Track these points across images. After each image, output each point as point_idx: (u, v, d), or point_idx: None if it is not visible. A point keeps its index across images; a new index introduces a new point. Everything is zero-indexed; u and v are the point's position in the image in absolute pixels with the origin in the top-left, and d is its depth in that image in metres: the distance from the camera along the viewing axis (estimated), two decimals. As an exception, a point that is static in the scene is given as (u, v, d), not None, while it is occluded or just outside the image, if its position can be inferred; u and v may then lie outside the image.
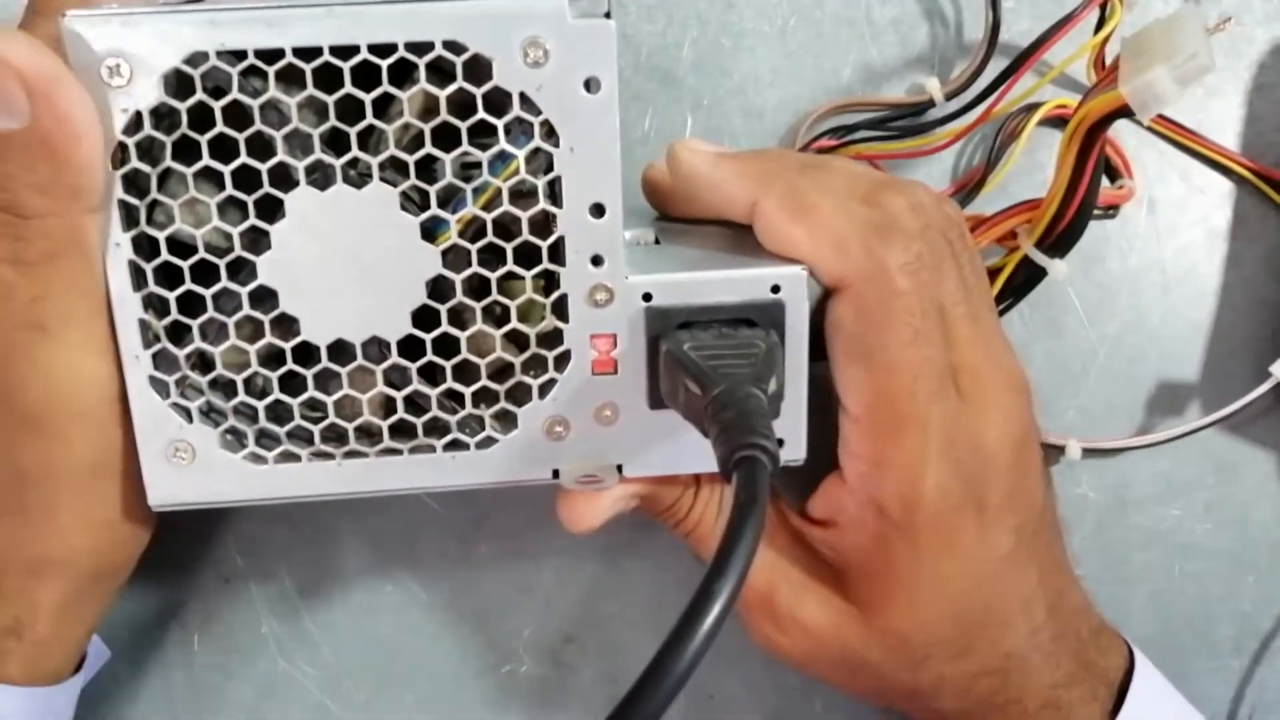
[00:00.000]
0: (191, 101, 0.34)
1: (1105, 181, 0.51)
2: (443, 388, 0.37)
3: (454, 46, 0.34)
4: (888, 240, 0.38)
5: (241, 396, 0.37)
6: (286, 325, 0.36)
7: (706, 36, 0.49)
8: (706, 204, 0.42)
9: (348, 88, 0.35)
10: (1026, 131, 0.48)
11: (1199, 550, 0.54)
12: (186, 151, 0.35)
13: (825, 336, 0.39)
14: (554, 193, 0.36)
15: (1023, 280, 0.47)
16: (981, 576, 0.41)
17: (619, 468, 0.39)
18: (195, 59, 0.34)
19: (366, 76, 0.35)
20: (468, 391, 0.38)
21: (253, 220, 0.35)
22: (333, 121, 0.35)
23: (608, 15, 0.35)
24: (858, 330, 0.38)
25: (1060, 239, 0.45)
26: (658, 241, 0.42)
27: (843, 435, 0.40)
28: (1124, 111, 0.40)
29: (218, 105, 0.34)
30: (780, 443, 0.39)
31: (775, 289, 0.38)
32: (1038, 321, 0.52)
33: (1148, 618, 0.46)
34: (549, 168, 0.36)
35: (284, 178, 0.35)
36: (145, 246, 0.36)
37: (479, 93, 0.35)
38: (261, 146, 0.35)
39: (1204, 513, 0.54)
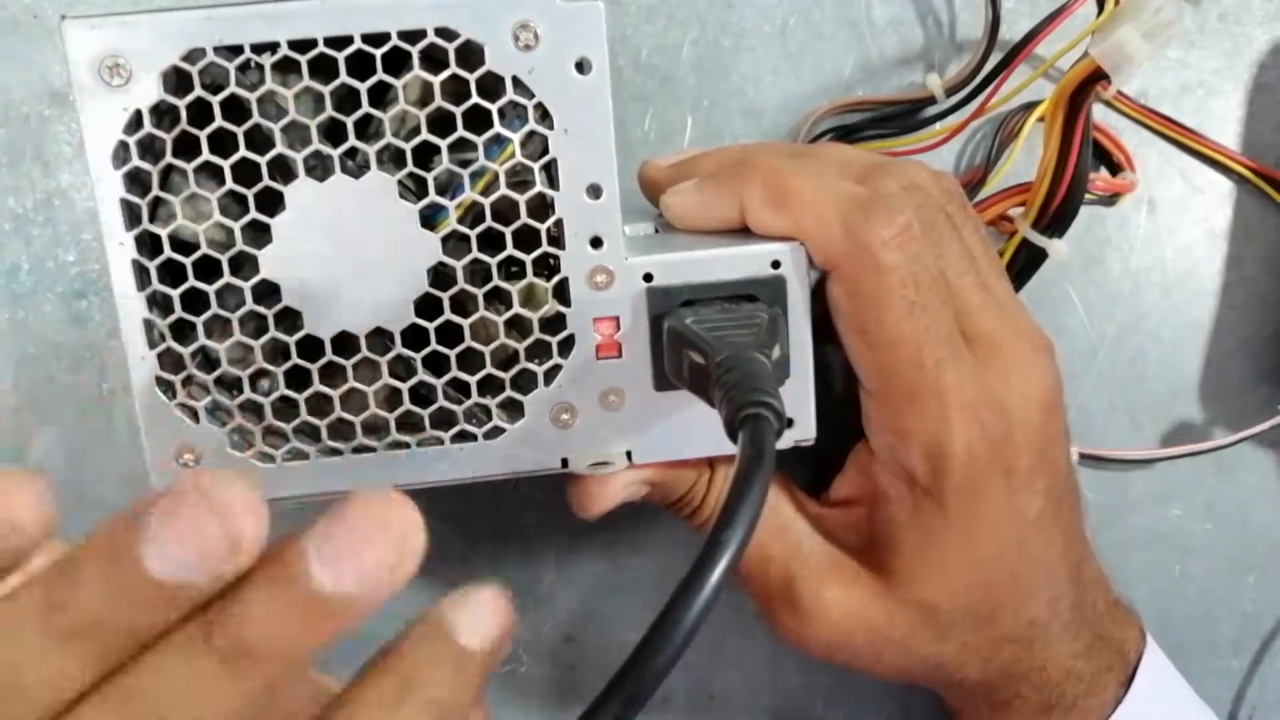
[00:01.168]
0: (190, 98, 0.35)
1: (1107, 173, 0.51)
2: (448, 377, 0.37)
3: (446, 34, 0.35)
4: (871, 217, 0.37)
5: (247, 394, 0.37)
6: (290, 320, 0.36)
7: (706, 36, 0.50)
8: (700, 227, 0.41)
9: (343, 77, 0.35)
10: (1026, 129, 0.48)
11: (1199, 550, 0.54)
12: (187, 148, 0.35)
13: (831, 317, 0.40)
14: (550, 176, 0.36)
15: (1023, 264, 0.47)
16: (1009, 541, 0.41)
17: (628, 454, 0.39)
18: (193, 55, 0.34)
19: (361, 66, 0.35)
20: (473, 380, 0.38)
21: (253, 214, 0.35)
22: (330, 112, 0.35)
23: None
24: (853, 309, 0.38)
25: (1056, 217, 0.45)
26: (657, 231, 0.42)
27: (865, 411, 0.40)
28: (1099, 75, 0.40)
29: (216, 100, 0.34)
30: (790, 423, 0.39)
31: (775, 264, 0.38)
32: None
33: (1148, 618, 0.46)
34: (544, 150, 0.36)
35: (283, 170, 0.35)
36: (148, 244, 0.36)
37: (472, 78, 0.35)
38: (260, 139, 0.35)
39: (1204, 513, 0.54)
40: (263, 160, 0.35)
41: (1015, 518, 0.40)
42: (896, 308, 0.37)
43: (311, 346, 0.37)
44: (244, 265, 0.36)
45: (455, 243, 0.37)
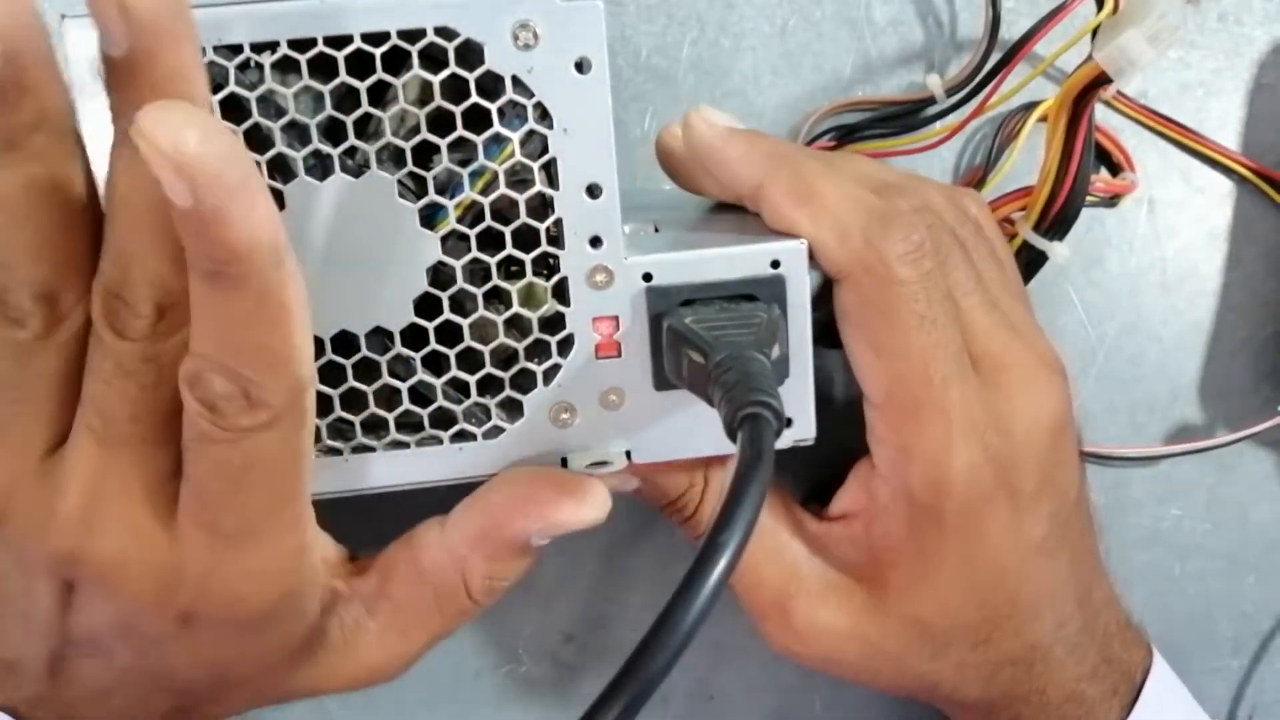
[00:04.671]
0: (190, 96, 0.35)
1: (1107, 173, 0.51)
2: (447, 376, 0.37)
3: (445, 33, 0.35)
4: (888, 231, 0.37)
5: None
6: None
7: (706, 36, 0.50)
8: (714, 179, 0.41)
9: (342, 77, 0.35)
10: (1025, 130, 0.48)
11: (1199, 550, 0.54)
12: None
13: (838, 325, 0.39)
14: (550, 175, 0.36)
15: (1023, 267, 0.47)
16: (1010, 565, 0.40)
17: (628, 454, 0.39)
18: (193, 54, 0.34)
19: (361, 66, 0.35)
20: (472, 380, 0.38)
21: (253, 213, 0.35)
22: (329, 111, 0.35)
23: None
24: (863, 319, 0.38)
25: (1057, 220, 0.45)
26: (657, 230, 0.42)
27: (869, 423, 0.40)
28: (1103, 79, 0.41)
29: (215, 99, 0.34)
30: (789, 422, 0.39)
31: (775, 264, 0.38)
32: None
33: (1148, 618, 0.46)
34: (544, 150, 0.36)
35: (283, 169, 0.35)
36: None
37: (471, 77, 0.35)
38: (260, 138, 0.35)
39: (1204, 513, 0.54)
40: (262, 159, 0.35)
41: (1018, 541, 0.40)
42: (906, 320, 0.37)
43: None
44: (244, 265, 0.36)
45: (454, 242, 0.37)
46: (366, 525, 0.46)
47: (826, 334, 0.40)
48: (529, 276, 0.37)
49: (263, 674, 0.38)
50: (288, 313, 0.31)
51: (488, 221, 0.36)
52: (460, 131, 0.35)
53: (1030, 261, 0.47)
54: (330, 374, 0.37)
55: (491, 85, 0.35)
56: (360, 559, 0.41)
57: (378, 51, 0.34)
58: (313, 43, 0.34)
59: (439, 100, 0.35)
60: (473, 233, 0.36)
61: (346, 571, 0.40)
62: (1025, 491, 0.40)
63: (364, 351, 0.37)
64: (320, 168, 0.35)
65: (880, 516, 0.41)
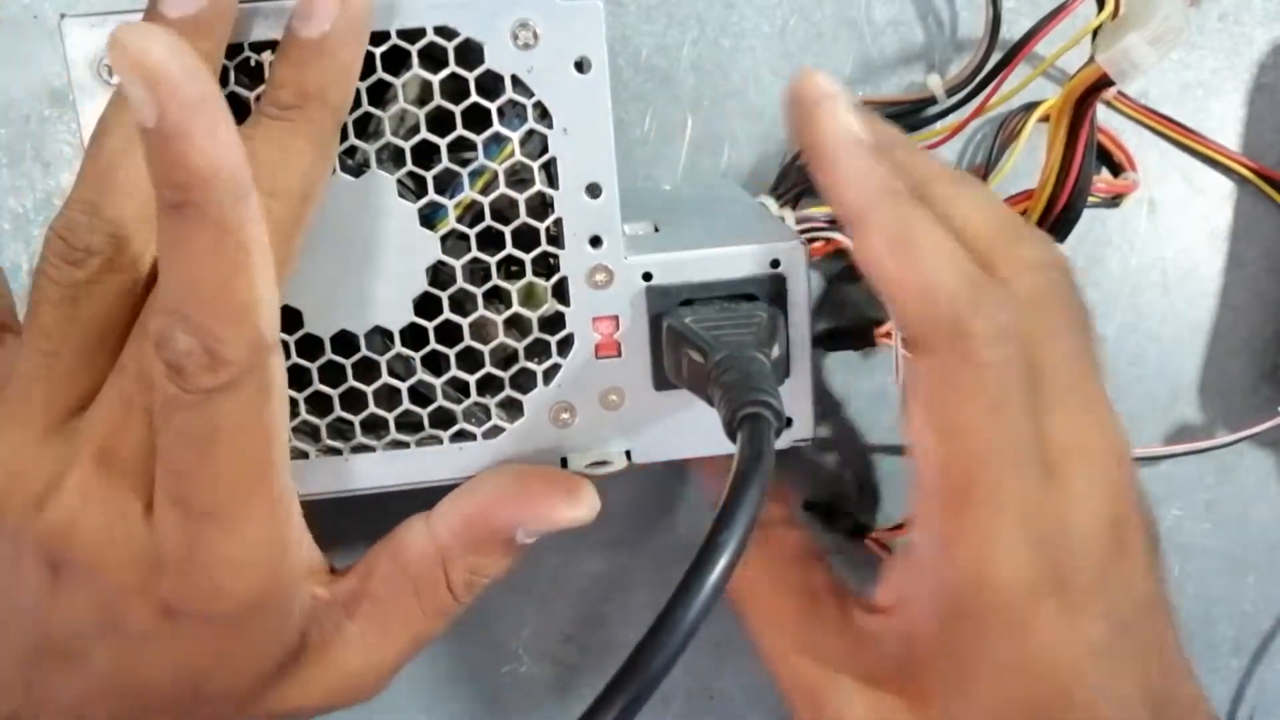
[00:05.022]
0: (190, 96, 0.34)
1: (1108, 174, 0.51)
2: (447, 376, 0.37)
3: (445, 32, 0.35)
4: (980, 306, 0.35)
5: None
6: (290, 318, 0.36)
7: (706, 37, 0.49)
8: (819, 173, 0.37)
9: None
10: (1026, 131, 0.48)
11: (1199, 550, 0.54)
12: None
13: (903, 390, 0.37)
14: (550, 175, 0.36)
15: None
16: (1060, 665, 0.36)
17: (627, 454, 0.39)
18: (193, 54, 0.34)
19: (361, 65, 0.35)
20: (472, 379, 0.38)
21: (252, 213, 0.35)
22: (329, 110, 0.35)
23: None
24: (932, 393, 0.36)
25: (1059, 221, 0.45)
26: (657, 230, 0.42)
27: (913, 506, 0.38)
28: (1105, 81, 0.40)
29: (219, 98, 0.34)
30: (789, 422, 0.39)
31: (775, 264, 0.38)
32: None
33: (1148, 618, 0.47)
34: (544, 149, 0.36)
35: (284, 168, 0.35)
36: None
37: (471, 77, 0.35)
38: (260, 138, 0.35)
39: (1204, 513, 0.54)
40: None
41: (1069, 640, 0.36)
42: (980, 403, 0.35)
43: (311, 345, 0.37)
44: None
45: (454, 242, 0.37)
46: (365, 525, 0.46)
47: (830, 337, 0.40)
48: (529, 276, 0.37)
49: (241, 684, 0.38)
50: (248, 254, 0.30)
51: (487, 221, 0.36)
52: (460, 131, 0.35)
53: (1031, 262, 0.47)
54: (330, 374, 0.37)
55: (491, 85, 0.35)
56: (342, 570, 0.40)
57: (378, 51, 0.34)
58: None
59: (439, 100, 0.35)
60: (472, 232, 0.36)
61: (328, 581, 0.39)
62: (1077, 588, 0.36)
63: (364, 351, 0.37)
64: (320, 167, 0.35)
65: (915, 611, 0.38)
